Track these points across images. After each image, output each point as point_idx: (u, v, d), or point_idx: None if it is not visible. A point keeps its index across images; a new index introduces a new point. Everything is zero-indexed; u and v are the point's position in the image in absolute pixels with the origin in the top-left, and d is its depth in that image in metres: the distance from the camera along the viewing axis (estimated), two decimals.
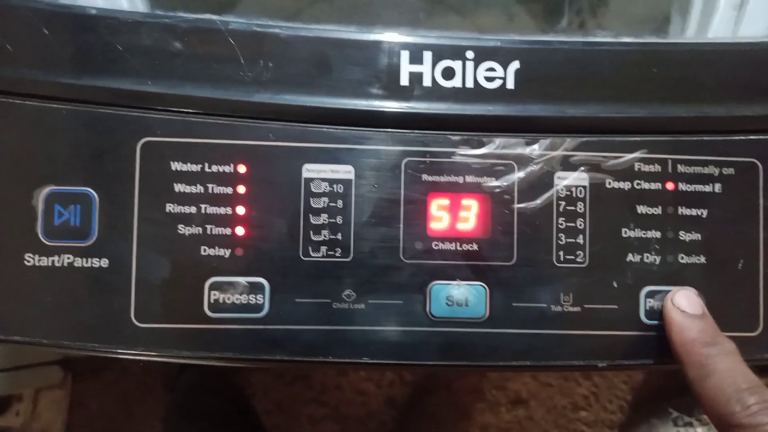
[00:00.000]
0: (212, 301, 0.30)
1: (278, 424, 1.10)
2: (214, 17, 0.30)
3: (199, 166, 0.30)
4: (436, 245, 0.32)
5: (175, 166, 0.30)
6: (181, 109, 0.30)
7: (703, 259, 0.33)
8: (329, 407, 1.11)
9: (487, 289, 0.32)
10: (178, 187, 0.30)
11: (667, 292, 0.32)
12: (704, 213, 0.33)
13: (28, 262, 0.29)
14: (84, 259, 0.30)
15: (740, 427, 0.27)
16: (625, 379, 1.14)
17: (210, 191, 0.30)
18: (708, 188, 0.33)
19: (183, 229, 0.30)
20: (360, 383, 1.13)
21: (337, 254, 0.31)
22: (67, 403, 1.07)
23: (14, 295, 0.29)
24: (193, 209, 0.30)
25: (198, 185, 0.30)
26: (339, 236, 0.31)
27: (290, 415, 1.10)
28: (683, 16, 0.49)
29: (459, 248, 0.32)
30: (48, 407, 1.03)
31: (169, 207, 0.30)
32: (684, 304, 0.31)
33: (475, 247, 0.32)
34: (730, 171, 0.33)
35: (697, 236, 0.33)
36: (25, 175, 0.30)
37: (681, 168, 0.33)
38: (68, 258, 0.30)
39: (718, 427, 0.28)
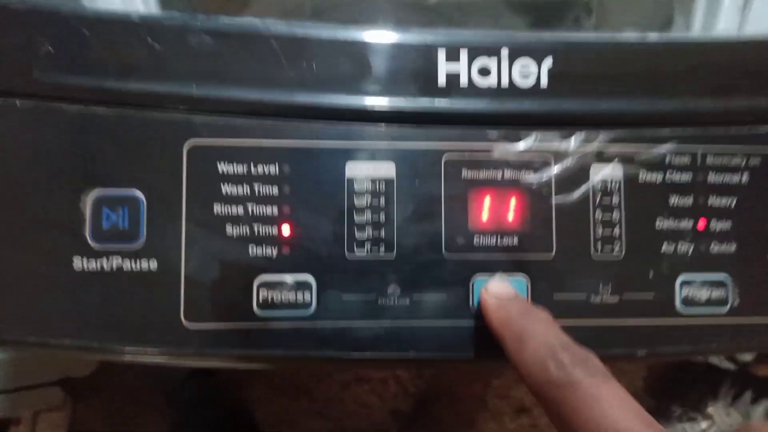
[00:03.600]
0: (261, 299, 0.30)
1: None
2: (256, 21, 0.31)
3: (245, 166, 0.31)
4: (477, 240, 0.32)
5: (222, 167, 0.31)
6: (227, 112, 0.31)
7: (734, 248, 0.33)
8: (333, 420, 1.10)
9: (529, 282, 0.32)
10: (225, 188, 0.31)
11: (701, 280, 0.33)
12: (733, 202, 0.34)
13: (77, 266, 0.29)
14: (133, 261, 0.30)
15: (553, 384, 0.26)
16: (626, 384, 1.15)
17: (256, 191, 0.31)
18: (736, 178, 0.34)
19: (231, 229, 0.30)
20: (363, 396, 1.13)
21: (381, 251, 0.31)
22: (66, 425, 1.05)
23: (63, 299, 0.29)
24: (240, 209, 0.31)
25: (244, 185, 0.31)
26: (382, 234, 0.32)
27: (293, 429, 1.10)
28: (686, 19, 0.51)
29: (500, 242, 0.32)
30: (46, 430, 1.02)
31: (217, 208, 0.30)
32: (498, 291, 0.31)
33: (515, 240, 0.32)
34: (757, 161, 0.34)
35: (727, 225, 0.33)
36: (73, 179, 0.30)
37: (710, 159, 0.34)
38: (117, 261, 0.30)
39: (535, 390, 0.27)
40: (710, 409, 0.96)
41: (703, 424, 0.97)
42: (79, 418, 1.08)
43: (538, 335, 0.28)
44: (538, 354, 0.27)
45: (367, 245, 0.31)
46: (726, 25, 0.45)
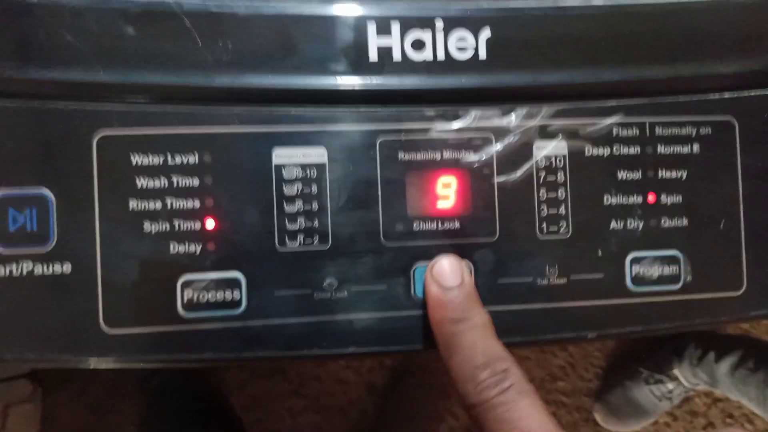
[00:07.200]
0: (185, 300, 0.28)
1: (259, 419, 1.09)
2: None
3: (162, 157, 0.28)
4: (417, 226, 0.30)
5: (136, 159, 0.28)
6: (138, 98, 0.28)
7: (685, 222, 0.32)
8: (309, 399, 1.10)
9: (472, 267, 0.31)
10: (141, 182, 0.28)
11: (652, 257, 0.32)
12: (684, 174, 0.32)
13: None
14: (45, 265, 0.28)
15: (473, 407, 0.26)
16: (600, 347, 1.16)
17: (175, 184, 0.29)
18: (686, 149, 0.32)
19: (149, 226, 0.28)
20: (339, 372, 1.13)
21: (314, 242, 0.30)
22: (38, 417, 1.03)
23: None
24: (158, 204, 0.28)
25: (162, 178, 0.28)
26: (315, 223, 0.30)
27: (270, 409, 1.09)
28: None
29: (441, 227, 0.31)
30: (18, 422, 1.00)
31: (132, 203, 0.28)
32: (443, 276, 0.29)
33: (456, 224, 0.31)
34: (707, 130, 0.33)
35: (678, 198, 0.32)
36: None
37: (659, 130, 0.32)
38: (27, 265, 0.28)
39: (464, 408, 0.27)
40: (676, 371, 0.97)
41: (670, 386, 0.98)
42: (50, 408, 1.06)
43: (465, 348, 0.27)
44: (461, 371, 0.27)
45: (300, 237, 0.30)
46: None
